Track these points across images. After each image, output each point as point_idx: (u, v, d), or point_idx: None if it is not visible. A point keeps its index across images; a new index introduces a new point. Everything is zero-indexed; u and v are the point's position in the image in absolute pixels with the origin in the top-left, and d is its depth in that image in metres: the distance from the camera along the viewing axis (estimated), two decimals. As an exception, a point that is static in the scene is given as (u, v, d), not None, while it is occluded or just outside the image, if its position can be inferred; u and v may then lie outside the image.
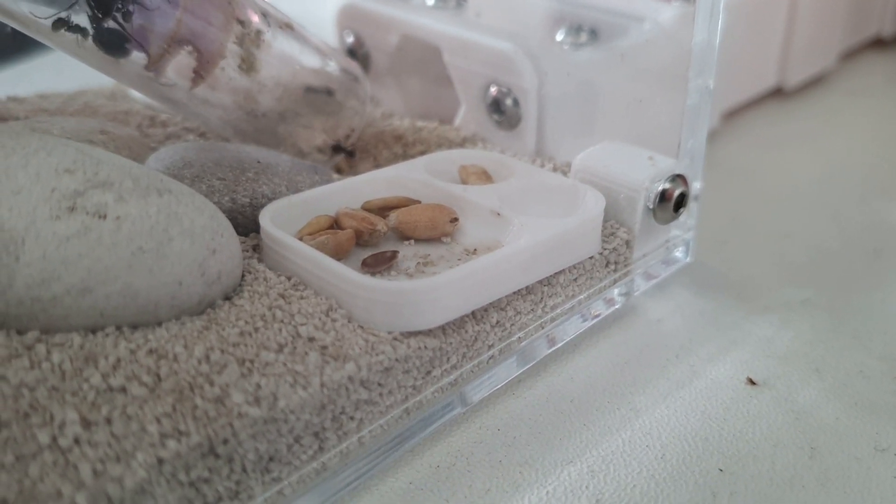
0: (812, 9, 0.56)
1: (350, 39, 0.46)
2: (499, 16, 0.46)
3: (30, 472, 0.22)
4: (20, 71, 0.47)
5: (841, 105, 0.59)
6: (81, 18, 0.31)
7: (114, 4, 0.31)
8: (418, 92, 0.46)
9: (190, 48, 0.33)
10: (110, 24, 0.31)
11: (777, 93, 0.59)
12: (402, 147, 0.43)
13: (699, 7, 0.36)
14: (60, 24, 0.31)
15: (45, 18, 0.31)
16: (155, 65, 0.32)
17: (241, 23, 0.34)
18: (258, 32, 0.35)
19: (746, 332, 0.37)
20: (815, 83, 0.62)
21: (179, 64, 0.33)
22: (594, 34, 0.42)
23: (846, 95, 0.61)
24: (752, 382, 0.34)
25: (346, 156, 0.41)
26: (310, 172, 0.36)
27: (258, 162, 0.35)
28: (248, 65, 0.34)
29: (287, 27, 0.36)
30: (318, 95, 0.38)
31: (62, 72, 0.43)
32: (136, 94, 0.44)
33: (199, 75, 0.34)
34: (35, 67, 0.47)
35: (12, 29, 0.32)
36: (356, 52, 0.46)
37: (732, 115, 0.56)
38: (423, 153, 0.41)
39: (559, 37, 0.42)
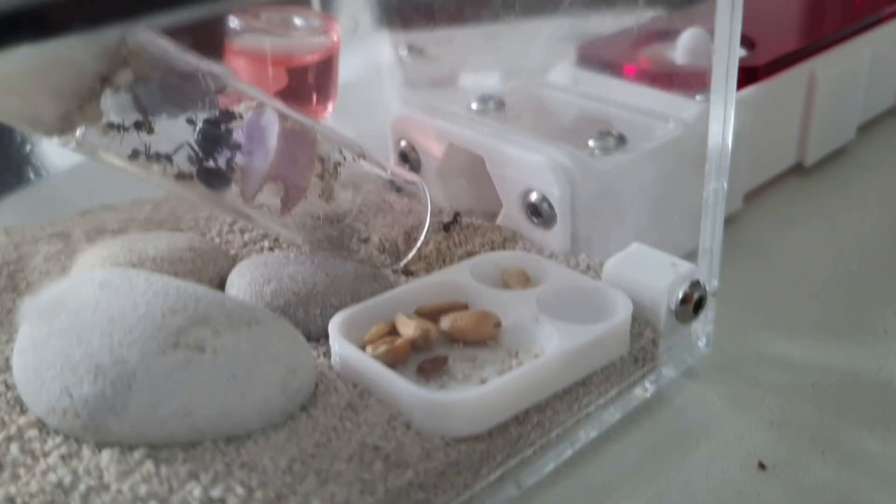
0: (829, 91, 0.59)
1: (403, 144, 0.51)
2: (534, 118, 0.51)
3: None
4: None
5: (859, 177, 0.62)
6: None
7: (216, 148, 0.36)
8: (464, 191, 0.51)
9: (280, 184, 0.38)
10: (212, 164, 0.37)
11: (797, 168, 0.62)
12: (450, 242, 0.47)
13: (712, 115, 0.40)
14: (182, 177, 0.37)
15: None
16: (250, 200, 0.38)
17: (322, 160, 0.39)
18: (336, 165, 0.40)
19: (759, 415, 0.40)
20: (834, 156, 0.64)
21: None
22: (622, 139, 0.46)
23: (864, 167, 0.63)
24: (762, 466, 0.37)
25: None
26: (370, 281, 0.41)
27: (326, 275, 0.40)
28: (327, 195, 0.40)
29: (361, 157, 0.42)
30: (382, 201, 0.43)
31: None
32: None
33: (286, 206, 0.39)
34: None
35: None
36: (409, 156, 0.51)
37: (754, 194, 0.59)
38: (468, 251, 0.45)
39: (591, 143, 0.46)
